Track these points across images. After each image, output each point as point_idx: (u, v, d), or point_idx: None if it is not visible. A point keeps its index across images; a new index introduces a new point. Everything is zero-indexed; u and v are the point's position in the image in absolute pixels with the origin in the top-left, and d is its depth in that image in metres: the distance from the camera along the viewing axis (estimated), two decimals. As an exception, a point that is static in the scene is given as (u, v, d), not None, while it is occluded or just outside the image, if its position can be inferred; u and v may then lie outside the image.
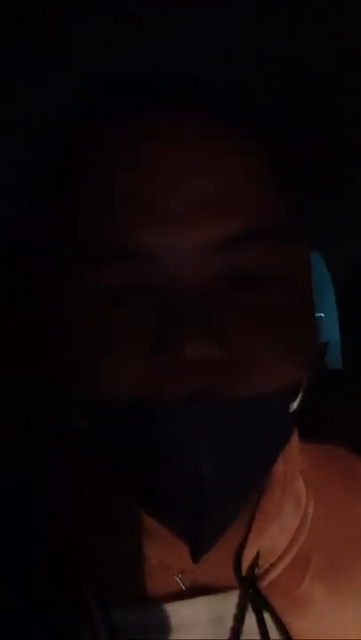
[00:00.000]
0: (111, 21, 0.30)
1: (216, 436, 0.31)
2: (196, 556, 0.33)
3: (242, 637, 0.37)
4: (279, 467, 0.40)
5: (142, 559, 0.38)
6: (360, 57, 0.31)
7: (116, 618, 0.36)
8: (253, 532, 0.39)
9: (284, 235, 0.34)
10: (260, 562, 0.39)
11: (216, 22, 0.30)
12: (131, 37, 0.31)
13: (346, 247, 0.41)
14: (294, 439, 0.42)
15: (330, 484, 0.43)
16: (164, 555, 0.38)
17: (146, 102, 0.33)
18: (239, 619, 0.37)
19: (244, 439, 0.32)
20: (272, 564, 0.39)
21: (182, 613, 0.37)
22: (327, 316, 0.41)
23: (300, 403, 0.35)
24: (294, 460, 0.42)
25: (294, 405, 0.34)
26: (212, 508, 0.32)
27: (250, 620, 0.37)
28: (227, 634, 0.37)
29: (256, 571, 0.39)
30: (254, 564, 0.39)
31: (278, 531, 0.40)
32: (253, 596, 0.38)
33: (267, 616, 0.38)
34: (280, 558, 0.39)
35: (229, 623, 0.37)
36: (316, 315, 0.38)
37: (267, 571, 0.39)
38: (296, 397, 0.34)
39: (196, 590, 0.38)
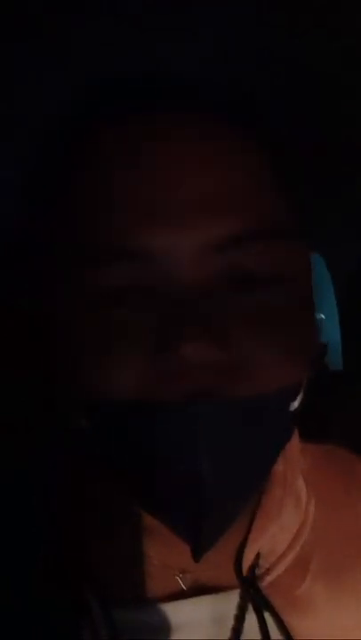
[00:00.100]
0: (111, 21, 0.30)
1: (216, 436, 0.31)
2: (196, 555, 0.33)
3: (242, 637, 0.37)
4: (280, 467, 0.40)
5: (143, 559, 0.38)
6: (360, 57, 0.31)
7: (117, 618, 0.37)
8: (254, 531, 0.39)
9: (284, 235, 0.34)
10: (261, 562, 0.39)
11: (216, 22, 0.30)
12: (131, 37, 0.31)
13: (346, 247, 0.41)
14: (295, 439, 0.42)
15: (330, 484, 0.43)
16: (164, 554, 0.38)
17: (146, 102, 0.33)
18: (240, 619, 0.37)
19: (244, 439, 0.32)
20: (273, 564, 0.39)
21: (183, 613, 0.37)
22: (327, 316, 0.41)
23: (301, 403, 0.35)
24: (295, 460, 0.42)
25: (295, 405, 0.34)
26: (212, 507, 0.32)
27: (250, 619, 0.37)
28: (227, 634, 0.37)
29: (257, 571, 0.39)
30: (255, 564, 0.39)
31: (279, 531, 0.40)
32: (254, 595, 0.38)
33: (267, 616, 0.38)
34: (281, 558, 0.39)
35: (230, 623, 0.37)
36: (317, 315, 0.38)
37: (267, 571, 0.39)
38: (296, 397, 0.34)
39: (197, 590, 0.38)
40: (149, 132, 0.33)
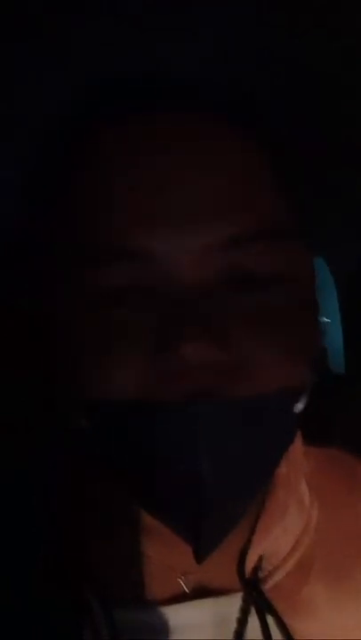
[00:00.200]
0: (111, 21, 0.30)
1: (216, 436, 0.31)
2: (199, 556, 0.33)
3: None
4: (283, 469, 0.40)
5: (143, 559, 0.38)
6: (360, 57, 0.31)
7: (118, 618, 0.36)
8: (257, 534, 0.39)
9: (284, 235, 0.34)
10: (264, 564, 0.39)
11: (216, 22, 0.30)
12: (131, 37, 0.31)
13: (346, 247, 0.41)
14: (298, 442, 0.42)
15: (333, 488, 0.43)
16: (165, 555, 0.38)
17: (146, 102, 0.33)
18: (242, 621, 0.37)
19: (245, 439, 0.32)
20: (275, 567, 0.39)
21: (185, 615, 0.37)
22: (330, 320, 0.41)
23: (305, 404, 0.35)
24: (298, 462, 0.42)
25: (299, 407, 0.34)
26: (212, 507, 0.32)
27: (253, 622, 0.37)
28: (230, 636, 0.37)
29: (259, 573, 0.39)
30: (258, 567, 0.39)
31: (282, 533, 0.40)
32: (257, 598, 0.38)
33: (270, 619, 0.37)
34: (284, 561, 0.39)
35: (232, 626, 0.37)
36: (320, 319, 0.38)
37: (270, 573, 0.39)
38: (300, 399, 0.34)
39: (199, 592, 0.38)
40: (149, 132, 0.33)
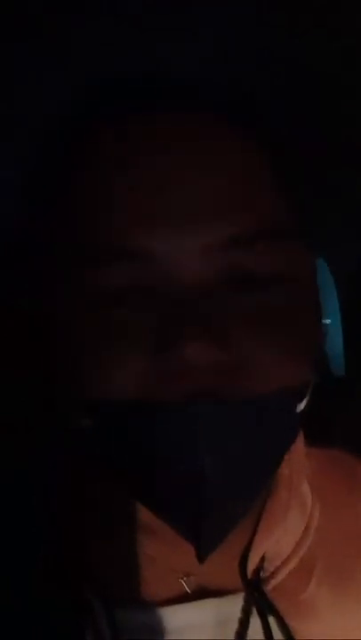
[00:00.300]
0: (111, 21, 0.30)
1: (216, 436, 0.31)
2: (201, 555, 0.33)
3: None
4: (285, 470, 0.40)
5: (143, 560, 0.38)
6: (360, 57, 0.31)
7: (119, 618, 0.37)
8: (259, 535, 0.39)
9: (284, 235, 0.34)
10: (266, 565, 0.39)
11: (216, 22, 0.30)
12: (131, 37, 0.31)
13: (346, 247, 0.41)
14: (300, 443, 0.42)
15: (335, 489, 0.43)
16: (166, 555, 0.38)
17: (146, 102, 0.33)
18: (244, 622, 0.37)
19: (245, 439, 0.32)
20: (277, 568, 0.39)
21: (187, 616, 0.37)
22: (331, 322, 0.41)
23: (306, 405, 0.35)
24: (300, 463, 0.42)
25: (300, 407, 0.34)
26: (213, 507, 0.32)
27: (255, 623, 0.37)
28: (231, 637, 0.37)
29: (261, 574, 0.39)
30: (260, 568, 0.39)
31: (284, 534, 0.40)
32: (258, 599, 0.38)
33: (272, 620, 0.37)
34: (285, 562, 0.39)
35: (234, 626, 0.37)
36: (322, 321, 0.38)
37: (272, 574, 0.39)
38: (302, 399, 0.34)
39: (201, 593, 0.38)
40: (149, 132, 0.33)
